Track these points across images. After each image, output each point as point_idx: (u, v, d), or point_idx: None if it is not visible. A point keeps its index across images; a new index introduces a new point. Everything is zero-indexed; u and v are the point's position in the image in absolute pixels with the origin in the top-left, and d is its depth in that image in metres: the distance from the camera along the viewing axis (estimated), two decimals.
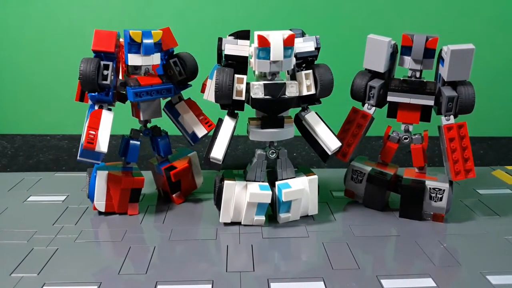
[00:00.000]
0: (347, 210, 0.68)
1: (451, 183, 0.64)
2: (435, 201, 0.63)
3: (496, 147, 1.02)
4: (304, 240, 0.60)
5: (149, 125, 0.68)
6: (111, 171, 0.63)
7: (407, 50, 0.61)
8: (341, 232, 0.62)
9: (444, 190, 0.62)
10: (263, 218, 0.63)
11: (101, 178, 0.63)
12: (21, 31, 1.03)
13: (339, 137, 0.65)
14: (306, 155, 0.95)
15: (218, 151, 0.59)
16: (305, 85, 0.60)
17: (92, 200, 0.64)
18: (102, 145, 0.58)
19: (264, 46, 0.56)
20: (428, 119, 0.64)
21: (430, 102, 0.62)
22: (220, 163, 0.60)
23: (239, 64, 0.60)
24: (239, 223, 0.63)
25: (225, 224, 0.63)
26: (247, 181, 0.63)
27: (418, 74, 0.62)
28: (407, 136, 0.65)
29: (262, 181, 0.63)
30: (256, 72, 0.61)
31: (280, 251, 0.57)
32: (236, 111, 0.62)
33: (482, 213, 0.68)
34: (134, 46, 0.60)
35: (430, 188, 0.63)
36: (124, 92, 0.64)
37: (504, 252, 0.57)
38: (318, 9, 1.04)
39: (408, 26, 1.03)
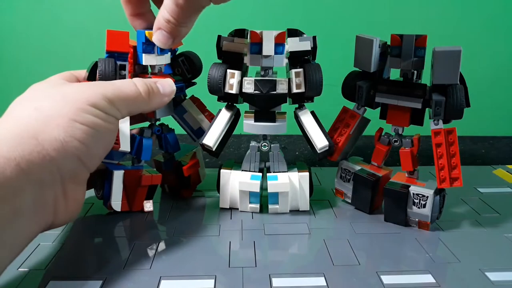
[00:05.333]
0: (348, 207, 0.69)
1: (442, 190, 0.63)
2: (419, 208, 0.61)
3: (497, 146, 1.03)
4: (305, 237, 0.61)
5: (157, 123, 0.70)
6: (127, 170, 0.64)
7: (396, 50, 0.60)
8: (342, 229, 0.63)
9: (427, 197, 0.60)
10: (257, 206, 0.66)
11: (118, 178, 0.63)
12: (27, 32, 1.04)
13: (329, 135, 0.66)
14: (308, 153, 0.96)
15: (210, 138, 0.64)
16: (295, 83, 0.62)
17: (106, 201, 0.64)
18: (125, 144, 0.60)
19: (256, 42, 0.60)
20: (420, 122, 0.63)
21: (418, 105, 0.60)
22: (212, 149, 0.64)
23: (234, 60, 0.64)
24: (237, 209, 0.68)
25: (223, 208, 0.68)
26: (242, 170, 0.66)
27: (409, 75, 0.61)
28: (397, 139, 0.64)
29: (256, 172, 0.66)
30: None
31: (281, 247, 0.58)
32: (234, 105, 0.67)
33: (482, 211, 0.68)
34: (149, 46, 0.62)
35: (413, 194, 0.61)
36: None
37: (503, 250, 0.58)
38: (319, 10, 1.04)
39: (409, 27, 1.03)
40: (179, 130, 0.72)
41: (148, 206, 0.67)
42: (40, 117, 0.48)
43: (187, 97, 0.71)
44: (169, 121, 0.71)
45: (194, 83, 0.71)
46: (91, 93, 0.51)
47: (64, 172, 0.49)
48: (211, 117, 0.71)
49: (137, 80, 0.57)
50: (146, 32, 0.61)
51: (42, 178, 0.47)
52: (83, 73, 0.62)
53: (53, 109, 0.49)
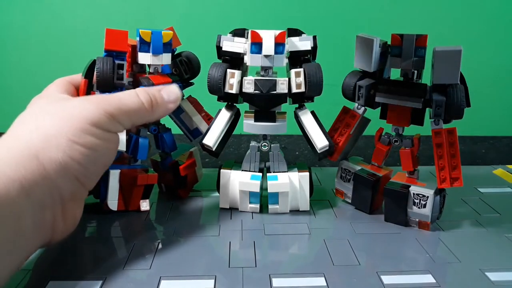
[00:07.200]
0: (348, 207, 0.69)
1: (442, 190, 0.63)
2: (419, 208, 0.61)
3: (497, 146, 1.03)
4: (305, 237, 0.61)
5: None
6: (123, 170, 0.64)
7: (397, 50, 0.60)
8: (342, 229, 0.63)
9: (428, 197, 0.60)
10: (257, 206, 0.66)
11: (114, 177, 0.63)
12: (27, 31, 1.04)
13: (329, 135, 0.66)
14: (309, 153, 0.96)
15: (210, 138, 0.64)
16: (295, 83, 0.62)
17: (103, 200, 0.64)
18: (121, 144, 0.59)
19: (256, 41, 0.60)
20: (420, 122, 0.63)
21: (418, 105, 0.60)
22: (212, 149, 0.64)
23: (234, 59, 0.64)
24: (237, 209, 0.67)
25: (223, 208, 0.68)
26: (242, 170, 0.66)
27: (410, 75, 0.61)
28: (397, 139, 0.64)
29: (256, 172, 0.66)
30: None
31: (281, 247, 0.58)
32: (234, 105, 0.66)
33: (482, 211, 0.68)
34: (144, 45, 0.61)
35: (413, 194, 0.61)
36: None
37: (503, 250, 0.58)
38: (319, 9, 1.04)
39: (409, 27, 1.03)
40: (176, 129, 0.72)
41: (145, 205, 0.67)
42: (41, 136, 0.47)
43: (184, 97, 0.71)
44: (166, 120, 0.71)
45: (192, 84, 0.71)
46: (92, 109, 0.51)
47: (64, 193, 0.49)
48: (208, 118, 0.71)
49: (140, 90, 0.56)
50: (141, 31, 0.61)
51: (43, 200, 0.47)
52: (78, 77, 0.62)
53: (53, 128, 0.48)
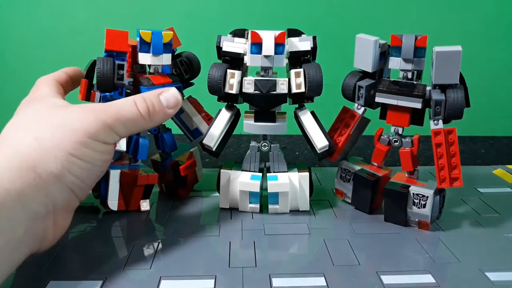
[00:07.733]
0: (348, 207, 0.69)
1: (442, 190, 0.63)
2: (419, 208, 0.61)
3: (497, 146, 1.03)
4: (305, 237, 0.61)
5: None
6: (123, 170, 0.64)
7: (396, 50, 0.60)
8: (342, 229, 0.63)
9: (427, 197, 0.60)
10: (257, 206, 0.66)
11: (114, 177, 0.63)
12: (27, 31, 1.04)
13: (329, 135, 0.66)
14: (308, 153, 0.96)
15: (210, 138, 0.64)
16: (295, 83, 0.62)
17: (104, 200, 0.64)
18: (121, 144, 0.60)
19: (256, 42, 0.60)
20: (420, 122, 0.63)
21: (418, 105, 0.60)
22: (212, 149, 0.64)
23: (234, 60, 0.64)
24: (237, 209, 0.67)
25: (223, 208, 0.68)
26: (242, 170, 0.66)
27: (409, 75, 0.61)
28: (397, 139, 0.65)
29: (256, 172, 0.66)
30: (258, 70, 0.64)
31: (281, 247, 0.58)
32: (234, 105, 0.67)
33: (482, 211, 0.68)
34: (144, 45, 0.62)
35: (413, 194, 0.61)
36: (129, 91, 0.65)
37: (503, 250, 0.58)
38: (319, 10, 1.04)
39: (409, 27, 1.03)
40: (176, 130, 0.72)
41: (145, 205, 0.67)
42: (39, 148, 0.47)
43: (184, 98, 0.71)
44: (167, 121, 0.71)
45: (192, 84, 0.71)
46: (91, 121, 0.50)
47: (57, 204, 0.49)
48: (208, 118, 0.71)
49: (138, 99, 0.55)
50: (141, 31, 0.61)
51: (37, 210, 0.47)
52: (62, 74, 0.62)
53: (52, 141, 0.48)
